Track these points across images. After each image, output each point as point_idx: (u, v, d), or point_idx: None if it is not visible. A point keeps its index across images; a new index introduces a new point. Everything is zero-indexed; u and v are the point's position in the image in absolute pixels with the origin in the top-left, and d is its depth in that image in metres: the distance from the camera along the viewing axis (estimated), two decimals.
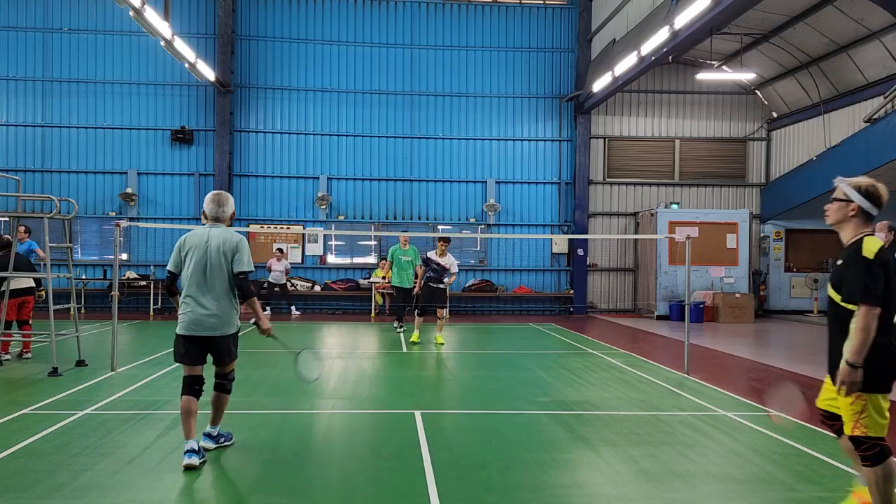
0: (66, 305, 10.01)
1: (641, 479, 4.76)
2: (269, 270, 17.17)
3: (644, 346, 12.37)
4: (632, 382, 8.53)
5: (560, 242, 19.28)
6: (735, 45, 17.66)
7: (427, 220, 19.16)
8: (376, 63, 19.18)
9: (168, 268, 5.16)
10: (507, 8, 19.43)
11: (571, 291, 19.28)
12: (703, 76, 18.18)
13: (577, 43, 19.48)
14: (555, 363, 10.08)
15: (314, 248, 19.04)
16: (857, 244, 3.73)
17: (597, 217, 19.80)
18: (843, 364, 3.54)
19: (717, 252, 17.67)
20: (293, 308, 17.83)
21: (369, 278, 18.16)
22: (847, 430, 3.66)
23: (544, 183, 19.52)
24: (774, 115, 19.95)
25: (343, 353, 10.93)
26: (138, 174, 18.52)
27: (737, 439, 5.86)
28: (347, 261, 19.23)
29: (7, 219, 10.21)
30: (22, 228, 10.10)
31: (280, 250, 17.32)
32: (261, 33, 18.93)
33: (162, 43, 13.72)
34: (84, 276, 17.76)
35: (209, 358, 5.14)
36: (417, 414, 6.58)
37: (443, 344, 11.78)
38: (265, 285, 17.96)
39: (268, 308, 17.27)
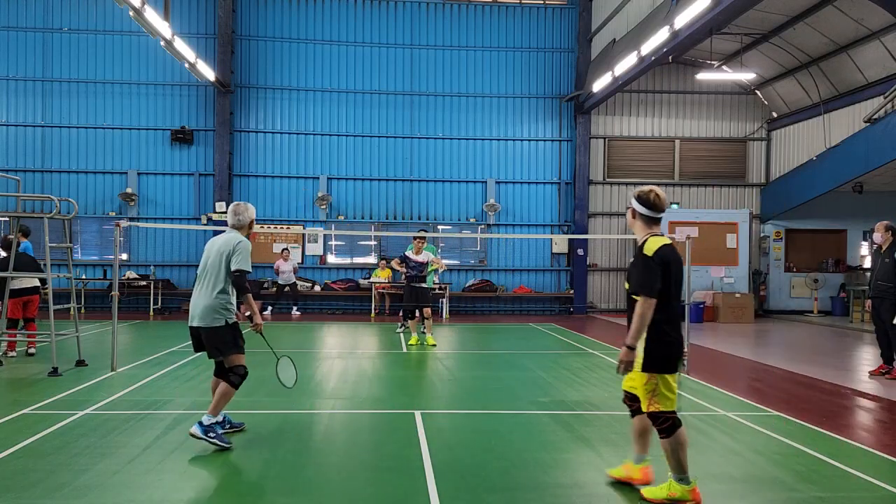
0: (66, 305, 10.01)
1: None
2: (278, 272, 17.16)
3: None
4: None
5: (560, 242, 19.28)
6: (735, 45, 17.66)
7: (427, 220, 19.16)
8: (376, 63, 19.18)
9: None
10: (507, 8, 19.43)
11: (571, 291, 19.28)
12: (703, 76, 18.17)
13: (577, 43, 19.48)
14: (555, 363, 10.08)
15: (314, 248, 19.05)
16: (642, 244, 4.23)
17: (597, 217, 19.80)
18: (622, 346, 4.16)
19: (717, 252, 17.67)
20: (294, 308, 17.83)
21: (369, 278, 18.16)
22: (644, 408, 4.23)
23: (544, 183, 19.52)
24: (774, 115, 19.94)
25: (343, 353, 10.93)
26: (138, 174, 18.52)
27: (737, 439, 5.85)
28: (347, 261, 19.23)
29: (7, 219, 10.21)
30: (18, 229, 10.10)
31: (286, 250, 17.33)
32: (261, 33, 18.94)
33: (162, 43, 13.72)
34: (84, 276, 17.76)
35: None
36: (417, 414, 6.58)
37: (435, 345, 11.70)
38: (265, 285, 17.99)
39: (269, 308, 17.30)
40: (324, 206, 18.79)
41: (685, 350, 4.32)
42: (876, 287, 9.19)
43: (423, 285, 11.67)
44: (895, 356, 9.16)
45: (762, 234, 19.97)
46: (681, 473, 4.18)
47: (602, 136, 19.84)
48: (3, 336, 9.13)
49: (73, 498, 4.27)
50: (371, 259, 19.19)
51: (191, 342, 5.67)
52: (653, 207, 4.30)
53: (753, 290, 18.71)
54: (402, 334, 13.22)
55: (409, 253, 11.67)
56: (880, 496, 4.53)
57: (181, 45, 14.30)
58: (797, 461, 5.23)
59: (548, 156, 19.59)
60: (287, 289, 17.27)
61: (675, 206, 19.02)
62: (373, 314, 17.81)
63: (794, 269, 19.86)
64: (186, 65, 15.26)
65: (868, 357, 11.20)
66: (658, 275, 4.08)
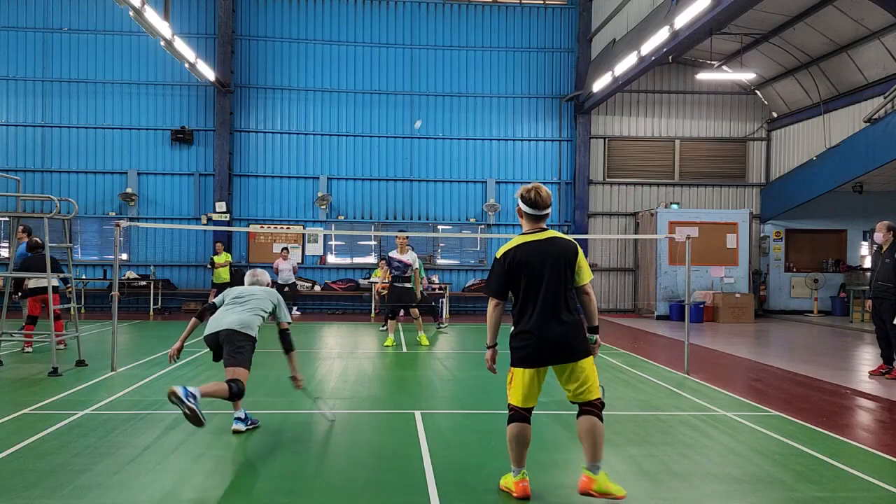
0: (66, 305, 10.02)
1: (641, 479, 4.76)
2: (277, 272, 17.16)
3: (644, 346, 12.37)
4: (632, 382, 8.53)
5: None
6: (735, 45, 17.66)
7: (427, 220, 19.16)
8: (376, 63, 19.18)
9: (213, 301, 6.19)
10: (507, 8, 19.43)
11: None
12: (703, 76, 18.17)
13: (577, 43, 19.49)
14: None
15: (314, 248, 19.05)
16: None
17: (597, 217, 19.80)
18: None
19: (717, 252, 17.67)
20: (294, 308, 17.81)
21: (369, 278, 18.16)
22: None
23: (544, 183, 19.47)
24: (774, 115, 19.95)
25: (343, 353, 10.93)
26: (138, 174, 18.53)
27: (737, 439, 5.85)
28: (347, 261, 19.23)
29: (7, 219, 10.22)
30: (21, 228, 10.12)
31: (285, 249, 17.32)
32: (261, 33, 18.94)
33: (162, 43, 13.73)
34: (84, 276, 17.77)
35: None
36: (417, 414, 6.58)
37: (427, 344, 11.70)
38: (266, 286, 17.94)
39: None
40: (324, 206, 18.79)
41: (547, 348, 4.18)
42: (876, 287, 9.19)
43: (408, 285, 11.49)
44: (895, 356, 9.16)
45: (762, 234, 19.97)
46: (512, 465, 4.41)
47: (602, 136, 19.84)
48: (3, 336, 9.13)
49: (72, 498, 4.27)
50: (371, 259, 19.19)
51: (211, 352, 5.86)
52: (527, 203, 4.33)
53: (753, 290, 18.71)
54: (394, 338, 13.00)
55: (392, 253, 11.59)
56: (880, 496, 4.53)
57: (181, 45, 14.30)
58: (797, 461, 5.23)
59: (548, 156, 19.59)
60: (286, 289, 17.26)
61: (675, 206, 19.02)
62: (373, 314, 17.81)
63: (794, 269, 19.86)
64: (186, 65, 15.26)
65: (868, 357, 11.20)
66: (499, 276, 4.24)
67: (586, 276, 4.31)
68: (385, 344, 11.63)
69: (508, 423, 4.35)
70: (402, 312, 12.08)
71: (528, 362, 4.19)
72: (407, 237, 11.61)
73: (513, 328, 4.28)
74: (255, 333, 5.73)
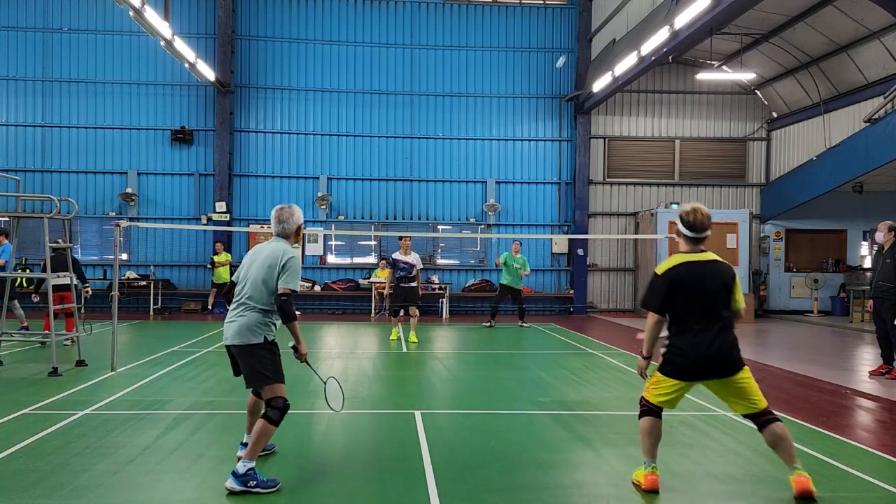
0: (65, 305, 10.02)
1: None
2: None
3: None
4: (632, 382, 8.52)
5: (560, 242, 19.27)
6: (735, 45, 17.65)
7: (427, 220, 19.16)
8: (376, 63, 19.18)
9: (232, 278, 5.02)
10: (507, 8, 19.43)
11: (571, 291, 19.28)
12: (703, 76, 18.17)
13: (577, 43, 19.48)
14: (555, 363, 10.08)
15: (314, 248, 19.05)
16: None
17: (597, 217, 19.80)
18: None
19: (718, 252, 17.19)
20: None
21: (369, 278, 18.16)
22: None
23: (544, 183, 19.52)
24: (774, 115, 19.95)
25: (343, 353, 10.93)
26: (138, 174, 18.52)
27: (737, 439, 5.85)
28: (347, 261, 19.23)
29: (7, 219, 10.22)
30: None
31: None
32: (261, 33, 18.94)
33: (162, 43, 13.72)
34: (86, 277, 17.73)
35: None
36: (417, 414, 6.58)
37: (416, 342, 11.90)
38: None
39: None
40: (324, 206, 18.79)
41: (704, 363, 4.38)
42: (877, 287, 9.19)
43: (413, 284, 11.96)
44: (895, 356, 9.16)
45: (762, 234, 19.97)
46: (644, 456, 4.54)
47: (602, 136, 19.84)
48: (3, 336, 9.14)
49: (72, 498, 4.27)
50: (371, 259, 19.19)
51: (230, 363, 4.96)
52: (690, 227, 4.43)
53: (753, 290, 18.70)
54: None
55: (397, 255, 11.94)
56: (880, 496, 4.53)
57: (181, 45, 14.30)
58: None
59: (548, 156, 19.59)
60: None
61: (675, 206, 19.00)
62: (373, 314, 17.81)
63: (794, 269, 19.86)
64: (186, 65, 15.26)
65: (868, 357, 11.20)
66: (659, 292, 4.37)
67: (741, 301, 4.51)
68: (391, 338, 12.26)
69: (641, 417, 4.55)
70: (401, 312, 12.28)
71: (681, 376, 4.42)
72: (410, 238, 12.03)
73: (668, 339, 4.47)
74: (262, 332, 4.62)
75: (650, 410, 4.52)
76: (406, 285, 11.89)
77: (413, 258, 11.87)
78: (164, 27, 12.97)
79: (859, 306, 16.82)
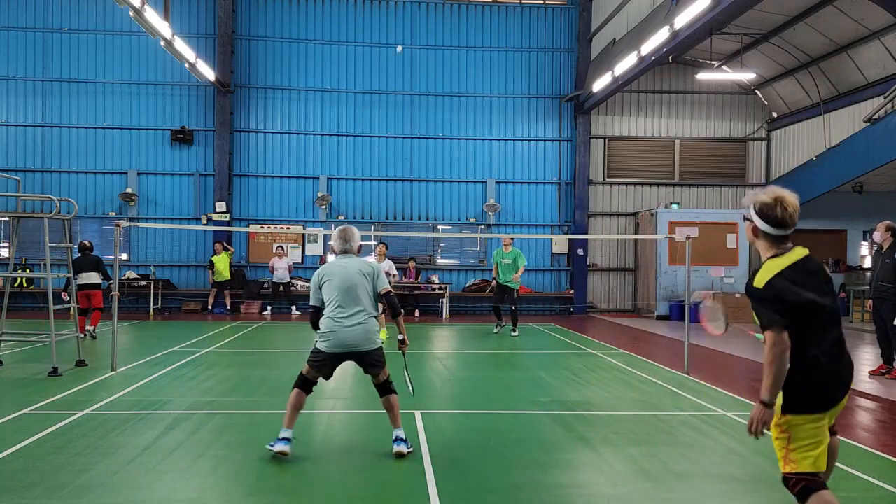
0: (66, 305, 10.02)
1: (641, 479, 4.76)
2: (272, 270, 17.19)
3: (644, 346, 12.37)
4: (632, 382, 8.53)
5: (560, 242, 19.28)
6: (735, 45, 17.65)
7: (427, 220, 19.16)
8: (376, 63, 19.18)
9: (311, 303, 5.33)
10: (507, 8, 19.43)
11: (571, 291, 19.28)
12: (703, 76, 18.18)
13: (577, 43, 19.49)
14: (555, 363, 10.08)
15: (314, 249, 19.05)
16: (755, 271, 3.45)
17: (597, 217, 19.80)
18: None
19: (718, 252, 17.67)
20: (293, 308, 17.82)
21: None
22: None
23: (544, 183, 19.52)
24: (774, 115, 19.95)
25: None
26: (138, 174, 18.53)
27: (737, 439, 5.85)
28: None
29: (7, 219, 10.23)
30: None
31: (280, 248, 17.36)
32: (261, 33, 18.94)
33: (162, 43, 13.73)
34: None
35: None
36: (417, 414, 6.58)
37: (385, 339, 12.46)
38: (266, 286, 17.99)
39: (269, 308, 17.30)
40: (324, 206, 18.79)
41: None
42: (877, 288, 9.19)
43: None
44: (895, 356, 9.16)
45: None
46: None
47: (602, 136, 19.84)
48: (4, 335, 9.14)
49: (73, 498, 4.27)
50: (371, 259, 19.12)
51: (326, 369, 5.22)
52: (778, 224, 3.39)
53: None
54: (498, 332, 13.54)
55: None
56: (880, 496, 4.53)
57: (181, 45, 14.30)
58: None
59: (548, 156, 19.59)
60: (281, 288, 17.26)
61: (675, 206, 19.02)
62: None
63: None
64: (186, 65, 15.26)
65: (868, 357, 11.20)
66: (777, 307, 3.20)
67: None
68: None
69: (806, 499, 3.28)
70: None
71: (824, 404, 3.24)
72: (387, 247, 13.04)
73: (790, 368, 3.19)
74: (381, 341, 5.33)
75: (816, 484, 3.27)
76: None
77: (386, 265, 12.54)
78: (164, 27, 12.97)
79: (859, 306, 16.81)
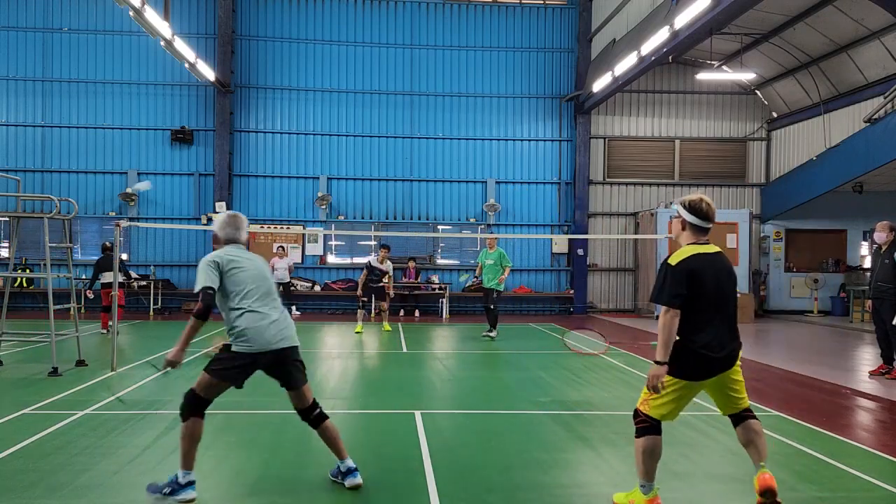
0: (66, 305, 10.01)
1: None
2: (273, 270, 17.17)
3: (644, 346, 12.37)
4: (632, 382, 8.52)
5: (560, 242, 19.28)
6: (735, 45, 17.66)
7: (427, 220, 19.16)
8: (376, 63, 19.18)
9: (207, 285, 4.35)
10: (507, 8, 19.43)
11: (571, 291, 19.28)
12: (703, 76, 18.18)
13: (577, 43, 19.49)
14: (555, 363, 10.08)
15: (314, 248, 19.05)
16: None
17: (597, 217, 19.80)
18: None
19: None
20: (293, 308, 17.82)
21: None
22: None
23: (544, 183, 19.53)
24: (774, 115, 19.95)
25: (343, 353, 10.93)
26: (138, 174, 18.52)
27: (737, 439, 5.83)
28: (347, 261, 19.23)
29: (7, 219, 10.23)
30: None
31: (281, 248, 17.35)
32: (261, 33, 18.94)
33: (162, 43, 13.73)
34: (84, 277, 17.74)
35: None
36: (417, 414, 6.58)
37: (389, 330, 13.91)
38: None
39: None
40: (324, 206, 18.79)
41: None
42: (876, 288, 9.19)
43: (381, 285, 13.79)
44: (895, 356, 9.16)
45: (762, 234, 19.97)
46: (642, 480, 4.06)
47: (602, 136, 19.84)
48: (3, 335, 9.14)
49: (73, 498, 4.27)
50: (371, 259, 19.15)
51: (242, 377, 4.43)
52: (701, 215, 4.10)
53: (753, 290, 18.71)
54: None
55: (373, 262, 13.62)
56: (880, 496, 4.53)
57: (181, 45, 14.30)
58: (797, 461, 5.23)
59: (548, 156, 19.59)
60: (281, 288, 17.25)
61: (674, 207, 18.99)
62: (373, 314, 17.79)
63: (794, 269, 19.86)
64: (186, 65, 15.26)
65: (868, 357, 11.20)
66: (677, 283, 3.93)
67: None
68: (356, 331, 13.52)
69: (639, 436, 4.03)
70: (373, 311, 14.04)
71: (693, 375, 3.97)
72: (389, 249, 13.97)
73: (678, 339, 3.93)
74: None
75: (651, 427, 4.01)
76: (374, 285, 13.69)
77: (387, 266, 13.63)
78: (164, 27, 12.97)
79: (859, 306, 16.82)
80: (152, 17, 12.25)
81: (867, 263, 19.14)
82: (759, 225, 19.94)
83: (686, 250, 4.04)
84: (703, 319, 3.96)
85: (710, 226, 4.12)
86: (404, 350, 11.44)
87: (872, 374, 9.30)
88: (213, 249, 4.65)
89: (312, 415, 4.60)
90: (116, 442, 5.48)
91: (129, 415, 6.41)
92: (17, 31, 18.38)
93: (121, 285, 12.31)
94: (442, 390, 8.11)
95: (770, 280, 19.82)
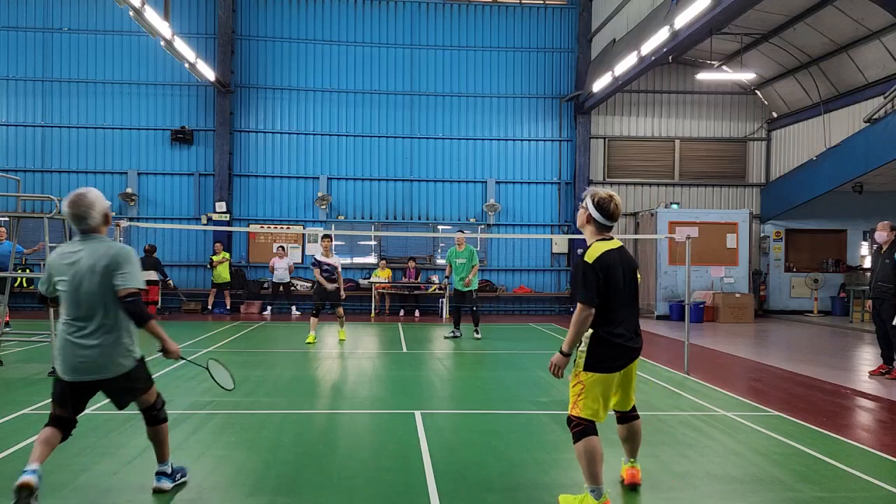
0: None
1: (642, 479, 4.76)
2: (272, 270, 17.18)
3: (644, 345, 12.36)
4: None
5: (560, 242, 19.28)
6: (735, 45, 17.66)
7: (427, 220, 19.16)
8: (376, 63, 19.18)
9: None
10: (507, 8, 19.43)
11: (571, 292, 19.28)
12: (703, 76, 18.17)
13: (577, 43, 19.49)
14: None
15: (314, 248, 19.02)
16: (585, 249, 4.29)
17: None
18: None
19: (717, 252, 17.66)
20: (293, 308, 17.82)
21: (369, 278, 18.16)
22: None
23: (544, 183, 19.53)
24: (774, 115, 19.95)
25: (343, 353, 10.93)
26: (138, 174, 18.53)
27: (737, 439, 5.85)
28: (347, 261, 19.22)
29: (7, 219, 10.24)
30: (2, 230, 10.26)
31: (281, 248, 17.37)
32: (261, 33, 18.94)
33: (162, 43, 13.72)
34: None
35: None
36: (417, 414, 6.58)
37: (344, 340, 12.09)
38: (266, 286, 18.00)
39: (268, 308, 17.29)
40: (324, 206, 18.79)
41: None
42: (876, 288, 9.19)
43: (335, 286, 11.87)
44: (895, 356, 9.16)
45: (762, 234, 19.97)
46: (589, 484, 4.09)
47: (602, 136, 19.84)
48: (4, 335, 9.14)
49: (73, 498, 4.27)
50: (371, 259, 19.19)
51: (69, 402, 4.21)
52: (608, 215, 4.24)
53: (753, 290, 18.70)
54: (455, 339, 12.79)
55: (319, 257, 11.85)
56: (880, 496, 4.53)
57: (181, 45, 14.30)
58: (797, 461, 5.23)
59: (548, 156, 19.59)
60: (281, 288, 17.26)
61: (675, 206, 19.02)
62: (373, 314, 17.80)
63: (794, 269, 19.86)
64: (186, 65, 15.26)
65: (868, 357, 11.20)
66: (594, 281, 4.06)
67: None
68: (307, 341, 11.67)
69: (577, 440, 4.11)
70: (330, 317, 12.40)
71: (613, 367, 4.15)
72: (331, 239, 12.19)
73: (592, 332, 4.13)
74: (131, 354, 4.21)
75: (586, 428, 4.08)
76: (331, 285, 11.81)
77: (334, 260, 11.96)
78: (164, 27, 12.97)
79: (859, 306, 16.82)
80: (152, 16, 12.25)
81: (867, 263, 19.14)
82: (759, 225, 19.94)
83: (598, 247, 4.18)
84: (616, 311, 4.17)
85: (613, 225, 4.29)
86: (404, 350, 11.44)
87: (872, 374, 9.30)
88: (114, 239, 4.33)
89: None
90: (116, 442, 5.48)
91: (129, 415, 6.40)
92: (17, 31, 18.37)
93: (154, 282, 14.55)
94: (442, 390, 8.11)
95: (770, 280, 19.82)
